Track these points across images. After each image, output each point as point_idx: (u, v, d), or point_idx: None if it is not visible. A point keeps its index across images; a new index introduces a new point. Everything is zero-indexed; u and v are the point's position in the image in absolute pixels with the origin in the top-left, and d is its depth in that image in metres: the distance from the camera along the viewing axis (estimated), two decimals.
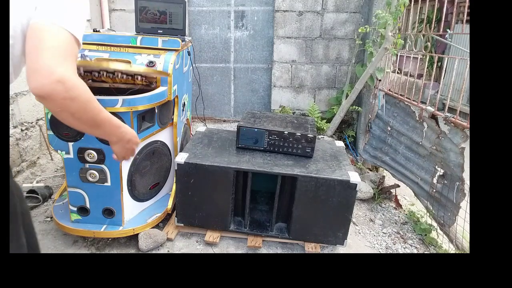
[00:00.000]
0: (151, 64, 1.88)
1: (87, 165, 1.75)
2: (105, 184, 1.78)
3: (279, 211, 1.97)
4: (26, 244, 0.98)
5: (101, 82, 1.90)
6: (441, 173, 2.05)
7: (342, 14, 3.51)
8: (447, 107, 2.13)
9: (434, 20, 5.46)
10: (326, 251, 1.98)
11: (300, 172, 1.82)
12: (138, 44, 1.94)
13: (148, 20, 2.08)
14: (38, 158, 2.82)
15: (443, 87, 5.53)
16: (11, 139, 2.41)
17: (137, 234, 1.88)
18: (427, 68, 6.36)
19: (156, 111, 1.87)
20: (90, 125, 0.90)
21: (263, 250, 1.96)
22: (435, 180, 2.08)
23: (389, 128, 2.58)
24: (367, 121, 3.26)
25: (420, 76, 5.01)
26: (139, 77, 1.88)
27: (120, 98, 1.60)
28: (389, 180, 2.80)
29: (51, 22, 0.77)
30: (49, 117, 1.68)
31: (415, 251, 2.06)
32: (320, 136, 3.26)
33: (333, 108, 3.62)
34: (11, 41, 0.81)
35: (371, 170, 2.99)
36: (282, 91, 3.79)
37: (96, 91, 1.80)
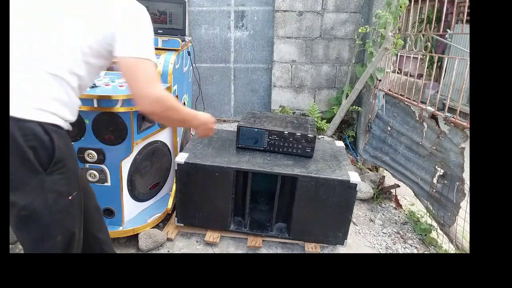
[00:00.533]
0: None
1: (87, 165, 1.75)
2: (105, 184, 1.78)
3: (279, 211, 1.97)
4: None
5: None
6: (441, 173, 2.05)
7: (342, 14, 3.51)
8: (447, 107, 2.13)
9: (434, 20, 5.47)
10: (326, 251, 1.98)
11: (300, 172, 1.82)
12: None
13: None
14: None
15: (443, 87, 5.52)
16: None
17: (137, 234, 1.88)
18: (427, 68, 6.36)
19: None
20: (179, 122, 1.34)
21: (263, 250, 1.96)
22: (435, 180, 2.08)
23: (389, 128, 2.58)
24: (367, 121, 3.26)
25: (420, 76, 5.00)
26: None
27: (120, 99, 1.60)
28: (389, 180, 2.80)
29: (137, 56, 1.00)
30: None
31: (415, 251, 2.06)
32: (320, 136, 3.26)
33: (333, 108, 3.62)
34: (87, 50, 1.00)
35: (371, 170, 2.99)
36: (282, 91, 3.79)
37: None
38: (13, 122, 0.90)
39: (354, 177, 1.82)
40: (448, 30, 4.71)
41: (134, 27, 1.03)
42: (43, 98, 0.96)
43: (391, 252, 2.04)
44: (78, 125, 1.66)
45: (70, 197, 1.04)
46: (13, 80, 0.92)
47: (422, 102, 2.27)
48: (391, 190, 2.67)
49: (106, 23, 1.01)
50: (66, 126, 1.03)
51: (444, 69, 3.43)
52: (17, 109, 0.91)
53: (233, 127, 3.74)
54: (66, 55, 0.98)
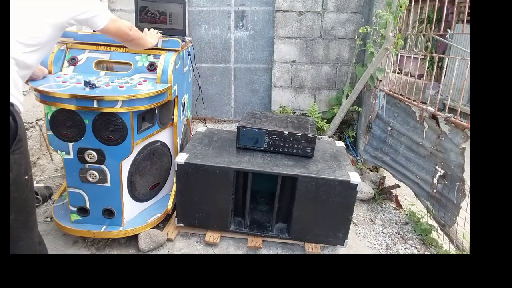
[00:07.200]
0: (152, 67, 1.88)
1: (87, 166, 1.75)
2: (105, 184, 1.78)
3: (279, 211, 1.97)
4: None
5: None
6: (441, 174, 2.05)
7: (342, 14, 3.51)
8: (447, 107, 2.13)
9: (434, 20, 5.46)
10: (326, 251, 1.98)
11: (301, 173, 1.82)
12: None
13: (148, 20, 2.08)
14: (38, 158, 2.82)
15: (444, 87, 5.52)
16: None
17: (137, 235, 1.88)
18: (427, 68, 6.36)
19: (156, 111, 1.87)
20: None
21: (263, 251, 1.96)
22: (435, 181, 2.08)
23: (389, 128, 2.58)
24: (367, 121, 3.26)
25: (420, 76, 5.01)
26: None
27: (120, 99, 1.59)
28: (390, 180, 2.79)
29: None
30: (49, 117, 1.68)
31: (415, 252, 2.06)
32: (320, 137, 3.25)
33: (334, 108, 3.62)
34: None
35: (371, 171, 2.99)
36: (283, 91, 3.79)
37: None
38: None
39: (354, 177, 1.81)
40: (448, 30, 4.70)
41: None
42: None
43: (392, 252, 2.04)
44: (78, 125, 1.66)
45: (26, 177, 1.06)
46: None
47: (423, 102, 2.26)
48: (392, 191, 2.67)
49: None
50: (20, 106, 1.08)
51: (444, 69, 3.43)
52: None
53: (233, 127, 3.74)
54: None
